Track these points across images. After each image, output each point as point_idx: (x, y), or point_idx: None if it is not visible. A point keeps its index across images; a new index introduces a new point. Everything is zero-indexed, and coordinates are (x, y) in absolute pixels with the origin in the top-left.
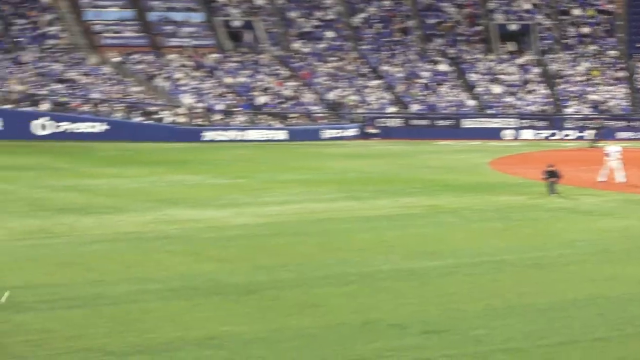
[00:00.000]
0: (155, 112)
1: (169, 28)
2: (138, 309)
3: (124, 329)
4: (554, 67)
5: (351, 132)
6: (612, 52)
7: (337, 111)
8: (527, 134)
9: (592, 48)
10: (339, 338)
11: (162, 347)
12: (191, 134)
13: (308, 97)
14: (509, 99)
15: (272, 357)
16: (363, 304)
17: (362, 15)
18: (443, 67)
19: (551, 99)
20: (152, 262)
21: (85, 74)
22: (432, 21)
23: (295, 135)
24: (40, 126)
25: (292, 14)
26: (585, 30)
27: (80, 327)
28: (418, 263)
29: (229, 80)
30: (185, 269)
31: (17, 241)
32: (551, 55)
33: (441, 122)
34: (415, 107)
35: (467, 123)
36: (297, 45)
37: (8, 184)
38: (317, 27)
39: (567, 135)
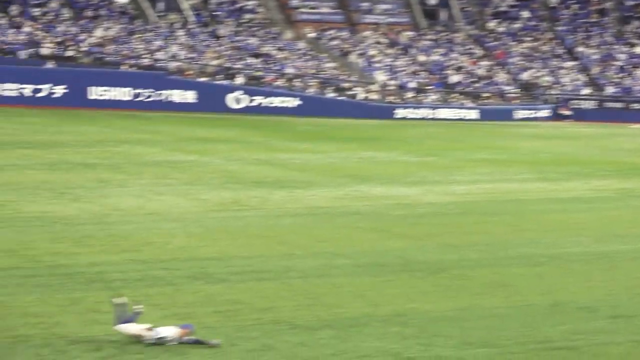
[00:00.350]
0: (349, 89)
1: (364, 5)
2: (326, 283)
3: (312, 302)
4: None
5: (544, 113)
6: None
7: (530, 92)
8: None
9: None
10: (527, 319)
11: (349, 322)
12: (383, 111)
13: (501, 77)
14: None
15: (459, 335)
16: (552, 285)
17: None
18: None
19: None
20: (342, 238)
21: (280, 49)
22: (630, 3)
23: (487, 115)
24: (235, 99)
25: None
26: None
27: (270, 300)
28: (608, 246)
29: (422, 58)
30: (374, 246)
31: (211, 213)
32: None
33: (636, 106)
34: (610, 90)
35: None
36: (492, 24)
37: (203, 156)
38: (512, 6)
39: None
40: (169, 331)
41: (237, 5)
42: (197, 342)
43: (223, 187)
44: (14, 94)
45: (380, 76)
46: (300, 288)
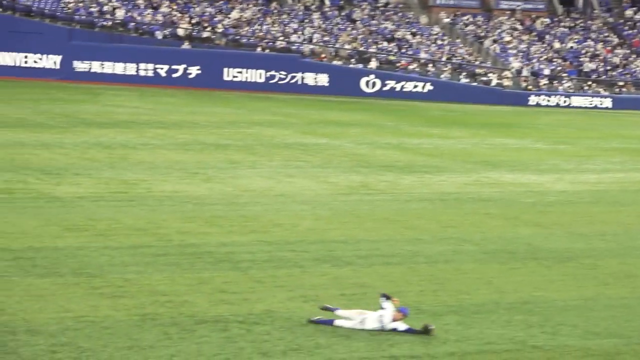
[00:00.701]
0: (482, 75)
1: None
2: (453, 269)
3: (438, 288)
4: None
5: None
6: None
7: None
8: None
9: None
10: None
11: (474, 308)
12: (517, 98)
13: (637, 65)
14: None
15: (585, 325)
16: None
17: None
18: None
19: None
20: (469, 224)
21: (415, 34)
22: None
23: (621, 104)
24: (367, 83)
25: None
26: None
27: (396, 284)
28: None
29: (557, 45)
30: (502, 232)
31: (339, 196)
32: None
33: None
34: None
35: None
36: (629, 12)
37: (334, 139)
38: None
39: None
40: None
41: None
42: (410, 331)
43: (352, 171)
44: (150, 74)
45: (515, 63)
46: (427, 273)
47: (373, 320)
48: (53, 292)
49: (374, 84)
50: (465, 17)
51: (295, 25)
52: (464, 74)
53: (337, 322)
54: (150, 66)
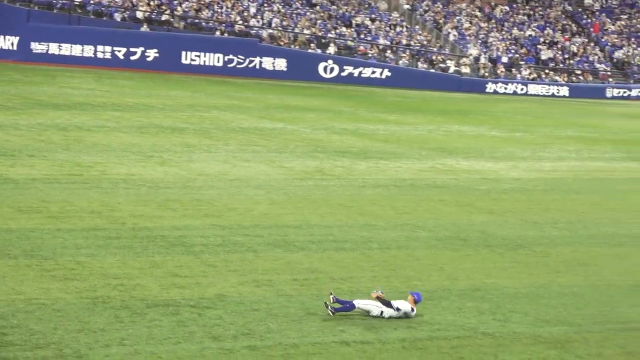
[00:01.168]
0: (440, 61)
1: None
2: (406, 255)
3: (390, 274)
4: None
5: (637, 92)
6: None
7: (623, 70)
8: None
9: None
10: (605, 299)
11: (425, 294)
12: (475, 85)
13: (594, 54)
14: None
15: (536, 312)
16: (633, 266)
17: None
18: None
19: None
20: (424, 210)
21: (374, 20)
22: None
23: (578, 92)
24: (325, 69)
25: None
26: None
27: (348, 270)
28: None
29: (516, 32)
30: (456, 219)
31: (294, 181)
32: None
33: None
34: None
35: None
36: (588, 0)
37: (291, 124)
38: None
39: None
40: (402, 305)
41: None
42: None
43: (308, 156)
44: (107, 56)
45: (473, 50)
46: (379, 259)
47: (390, 312)
48: (4, 274)
49: (332, 70)
50: (424, 3)
51: (254, 10)
52: (422, 60)
53: (359, 305)
54: (108, 48)
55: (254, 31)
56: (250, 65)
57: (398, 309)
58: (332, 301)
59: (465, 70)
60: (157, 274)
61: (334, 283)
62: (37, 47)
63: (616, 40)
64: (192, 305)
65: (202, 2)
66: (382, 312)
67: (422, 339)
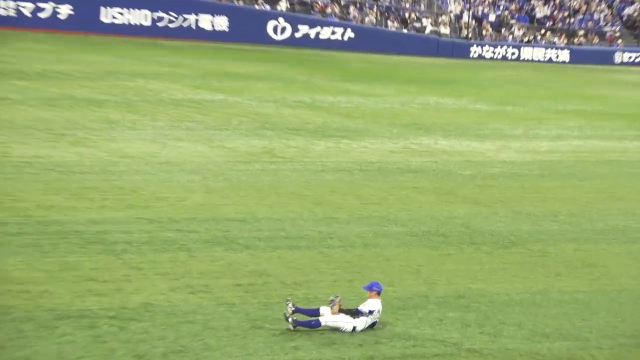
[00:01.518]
0: (415, 20)
1: None
2: (373, 255)
3: (355, 277)
4: None
5: None
6: None
7: (635, 31)
8: None
9: None
10: (616, 307)
11: (398, 303)
12: (456, 49)
13: (600, 11)
14: None
15: (532, 324)
16: None
17: None
18: None
19: None
20: (395, 200)
21: None
22: None
23: (581, 57)
24: (275, 29)
25: None
26: None
27: (303, 273)
28: None
29: None
30: (434, 211)
31: (238, 164)
32: None
33: None
34: None
35: None
36: None
37: (233, 95)
38: None
39: None
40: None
41: None
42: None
43: (254, 134)
44: (11, 13)
45: (454, 6)
46: (341, 259)
47: (363, 322)
48: None
49: (283, 30)
50: None
51: None
52: (393, 18)
53: (326, 322)
54: (12, 4)
55: None
56: (184, 25)
57: (371, 312)
58: (290, 311)
59: (445, 30)
60: (69, 278)
61: (286, 289)
62: None
63: None
64: (112, 317)
65: None
66: (354, 327)
67: (393, 357)
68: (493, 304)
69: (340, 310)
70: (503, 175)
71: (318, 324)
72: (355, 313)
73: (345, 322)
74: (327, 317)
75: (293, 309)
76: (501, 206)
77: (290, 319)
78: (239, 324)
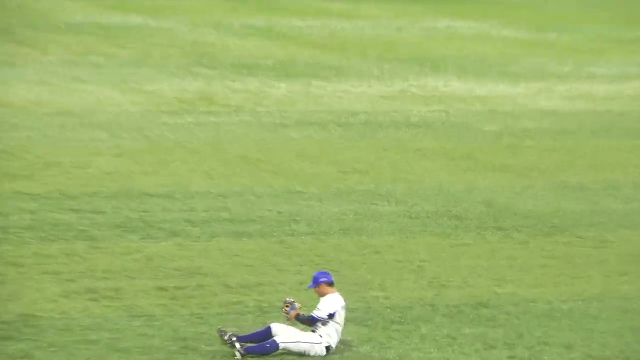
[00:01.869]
0: None
1: None
2: (356, 244)
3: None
4: None
5: None
6: None
7: None
8: None
9: None
10: None
11: (392, 314)
12: None
13: None
14: None
15: (586, 343)
16: None
17: None
18: None
19: None
20: (388, 167)
21: None
22: None
23: None
24: None
25: None
26: None
27: (254, 271)
28: None
29: None
30: (443, 183)
31: (162, 115)
32: None
33: None
34: None
35: None
36: None
37: (156, 17)
38: None
39: None
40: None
41: None
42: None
43: (187, 73)
44: None
45: None
46: (309, 251)
47: (331, 333)
48: None
49: None
50: None
51: None
52: None
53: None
54: None
55: None
56: None
57: (331, 315)
58: (232, 346)
59: None
60: None
61: (229, 294)
62: None
63: None
64: None
65: None
66: (328, 346)
67: None
68: (529, 316)
69: (297, 316)
70: (542, 132)
71: (275, 346)
72: (311, 321)
73: (311, 342)
74: (283, 335)
75: (234, 339)
76: (539, 176)
77: (237, 345)
78: (162, 344)
